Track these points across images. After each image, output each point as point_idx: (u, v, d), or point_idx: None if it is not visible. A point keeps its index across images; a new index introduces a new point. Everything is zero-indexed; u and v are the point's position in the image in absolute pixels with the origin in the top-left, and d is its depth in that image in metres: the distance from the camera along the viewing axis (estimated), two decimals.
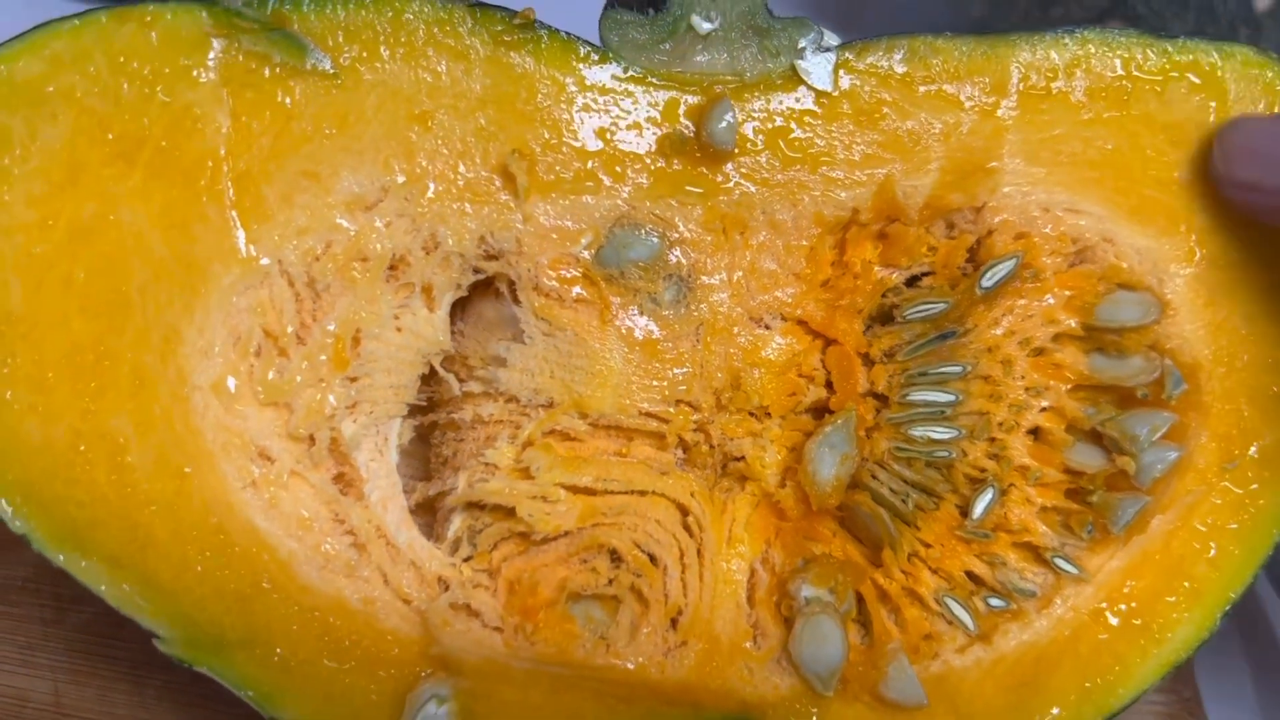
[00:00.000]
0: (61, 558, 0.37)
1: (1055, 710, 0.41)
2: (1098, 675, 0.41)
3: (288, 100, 0.37)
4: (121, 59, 0.36)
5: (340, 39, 0.38)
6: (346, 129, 0.38)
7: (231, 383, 0.37)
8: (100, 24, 0.37)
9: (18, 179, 0.35)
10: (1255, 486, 0.43)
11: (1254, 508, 0.43)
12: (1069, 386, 0.43)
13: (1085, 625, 0.41)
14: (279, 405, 0.38)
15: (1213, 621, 0.43)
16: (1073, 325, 0.42)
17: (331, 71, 0.37)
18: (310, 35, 0.38)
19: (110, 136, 0.36)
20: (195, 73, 0.37)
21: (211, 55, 0.37)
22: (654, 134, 0.39)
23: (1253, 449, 0.42)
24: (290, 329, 0.38)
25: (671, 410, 0.40)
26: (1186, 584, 0.42)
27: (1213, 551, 0.42)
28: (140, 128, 0.36)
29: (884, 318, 0.42)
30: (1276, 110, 0.42)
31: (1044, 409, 0.43)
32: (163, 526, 0.37)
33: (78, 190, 0.36)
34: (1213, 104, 0.43)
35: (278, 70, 0.37)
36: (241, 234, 0.37)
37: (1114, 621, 0.42)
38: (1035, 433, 0.43)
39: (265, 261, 0.37)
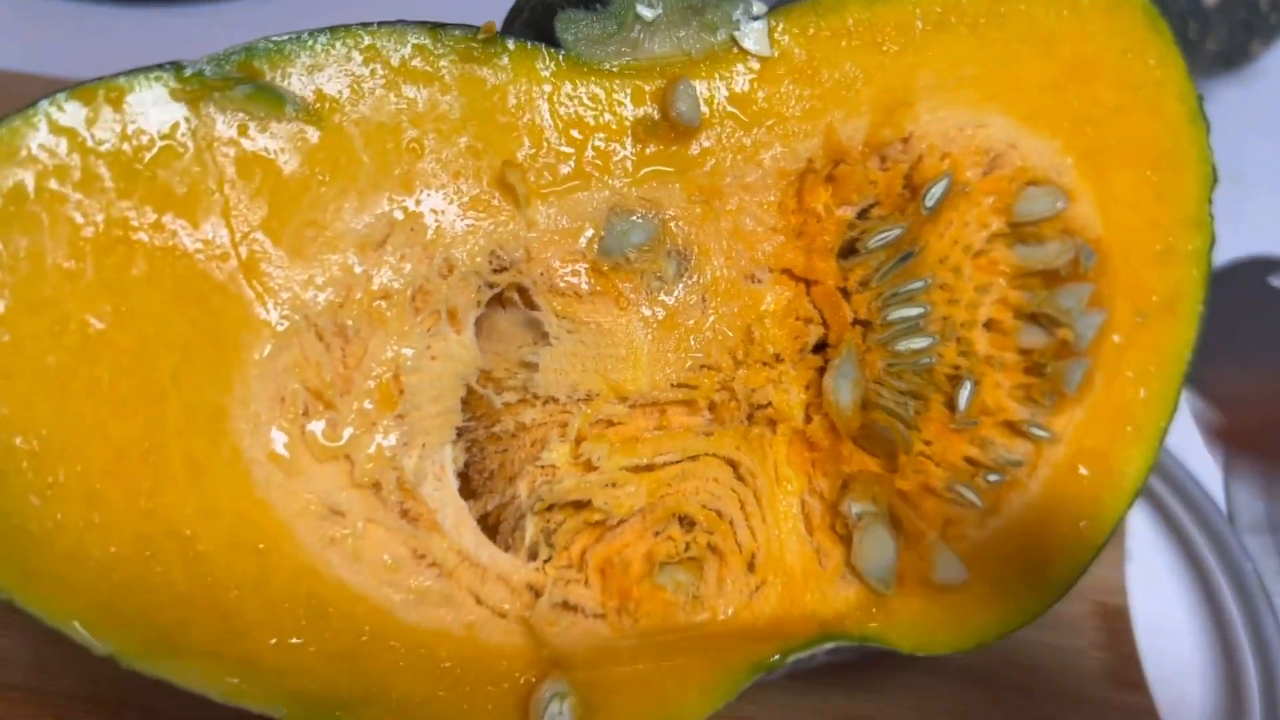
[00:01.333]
0: (154, 665, 0.37)
1: (1058, 559, 0.49)
2: (1083, 517, 0.50)
3: (274, 154, 0.38)
4: (95, 142, 0.36)
5: (313, 83, 0.39)
6: (340, 172, 0.39)
7: (287, 448, 0.38)
8: (61, 111, 0.36)
9: (14, 290, 0.35)
10: (1160, 330, 0.52)
11: (1164, 348, 0.52)
12: (1006, 279, 0.50)
13: (1066, 478, 0.50)
14: (338, 458, 0.39)
15: (1155, 449, 0.52)
16: (999, 225, 0.50)
17: (311, 118, 0.39)
18: (282, 84, 0.39)
19: (102, 225, 0.36)
20: (175, 143, 0.37)
21: (188, 122, 0.37)
22: (626, 122, 0.43)
23: (1153, 299, 0.52)
24: (331, 380, 0.39)
25: (698, 375, 0.45)
26: (1129, 426, 0.51)
27: (1143, 394, 0.52)
28: (130, 212, 0.37)
29: (847, 252, 0.48)
30: (1124, 22, 0.50)
31: (992, 302, 0.50)
32: (253, 608, 0.38)
33: (81, 288, 0.36)
34: (1065, 13, 0.51)
35: (257, 125, 0.38)
36: (261, 298, 0.38)
37: (1087, 466, 0.50)
38: (989, 325, 0.51)
39: (291, 320, 0.39)
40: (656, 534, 0.43)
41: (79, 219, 0.35)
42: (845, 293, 0.47)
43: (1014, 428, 0.50)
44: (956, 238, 0.49)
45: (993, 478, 0.48)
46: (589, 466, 0.42)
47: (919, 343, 0.47)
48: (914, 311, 0.47)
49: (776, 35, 0.45)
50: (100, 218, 0.36)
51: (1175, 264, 0.52)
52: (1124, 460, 0.51)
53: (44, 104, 0.35)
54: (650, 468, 0.43)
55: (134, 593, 0.35)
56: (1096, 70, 0.51)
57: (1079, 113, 0.50)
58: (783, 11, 0.46)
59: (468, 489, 0.45)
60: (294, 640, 0.37)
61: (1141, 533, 0.64)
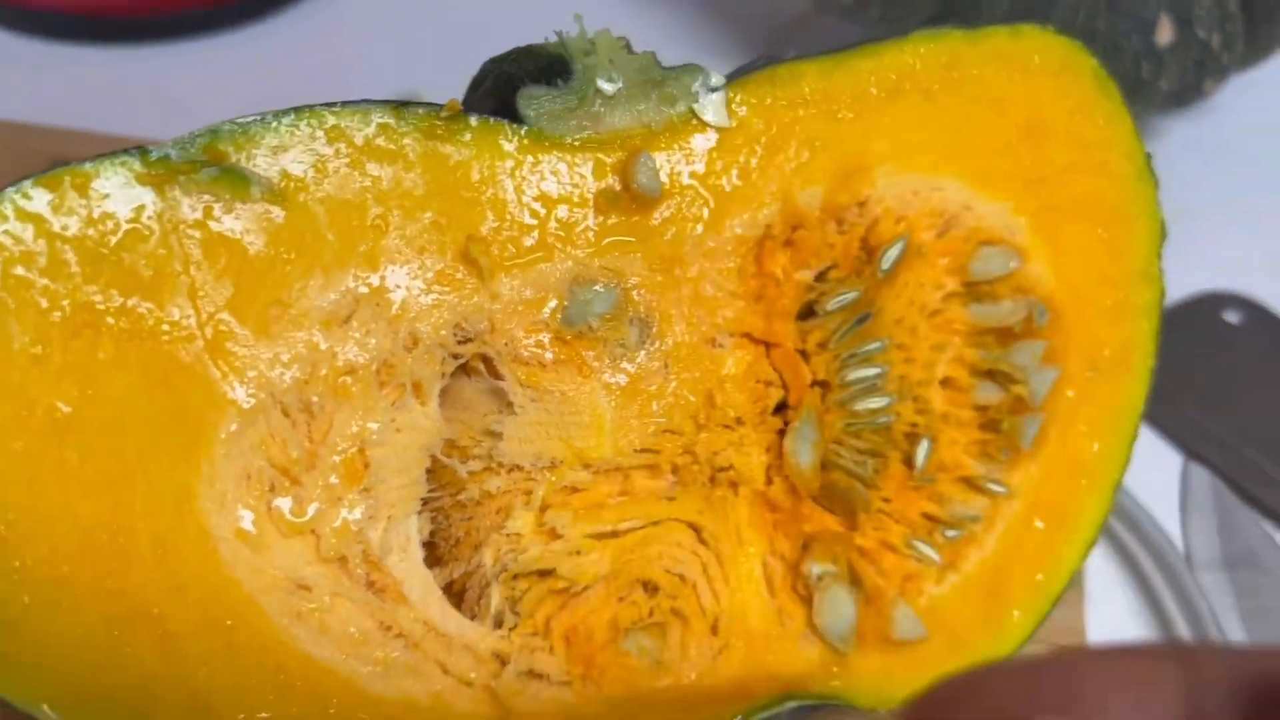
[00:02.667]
0: None
1: (1016, 611, 0.52)
2: (1039, 570, 0.52)
3: (239, 235, 0.40)
4: (59, 229, 0.38)
5: (278, 162, 0.41)
6: (304, 250, 0.41)
7: (253, 525, 0.40)
8: (28, 198, 0.38)
9: None
10: (1112, 384, 0.55)
11: (1116, 402, 0.55)
12: (961, 337, 0.53)
13: (1022, 534, 0.52)
14: (304, 534, 0.41)
15: (1108, 502, 0.55)
16: (954, 285, 0.53)
17: (275, 198, 0.41)
18: (247, 164, 0.41)
19: (69, 310, 0.38)
20: (141, 226, 0.39)
21: (154, 205, 0.39)
22: (588, 195, 0.45)
23: (1104, 354, 0.55)
24: (297, 456, 0.41)
25: (660, 440, 0.47)
26: (1084, 479, 0.54)
27: (1096, 447, 0.55)
28: (96, 296, 0.38)
29: (805, 314, 0.51)
30: (1073, 81, 0.53)
31: (948, 360, 0.53)
32: (222, 684, 0.39)
33: (48, 373, 0.38)
34: (1015, 76, 0.54)
35: (222, 207, 0.40)
36: (227, 377, 0.40)
37: (1040, 524, 0.53)
38: (945, 383, 0.53)
39: (256, 398, 0.40)
40: (621, 600, 0.45)
41: (45, 304, 0.37)
42: (804, 354, 0.50)
43: (971, 483, 0.52)
44: (913, 298, 0.51)
45: (951, 533, 0.51)
46: (553, 534, 0.44)
47: (877, 402, 0.50)
48: (872, 372, 0.50)
49: (734, 106, 0.48)
50: (67, 302, 0.38)
51: (1126, 318, 0.56)
52: (1079, 513, 0.53)
53: (10, 192, 0.37)
54: (614, 534, 0.45)
55: (103, 673, 0.37)
56: (1046, 131, 0.54)
57: (1030, 173, 0.53)
58: (740, 82, 0.49)
59: (434, 556, 0.47)
60: (263, 715, 0.39)
61: (1100, 573, 0.67)
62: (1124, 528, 0.71)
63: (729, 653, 0.46)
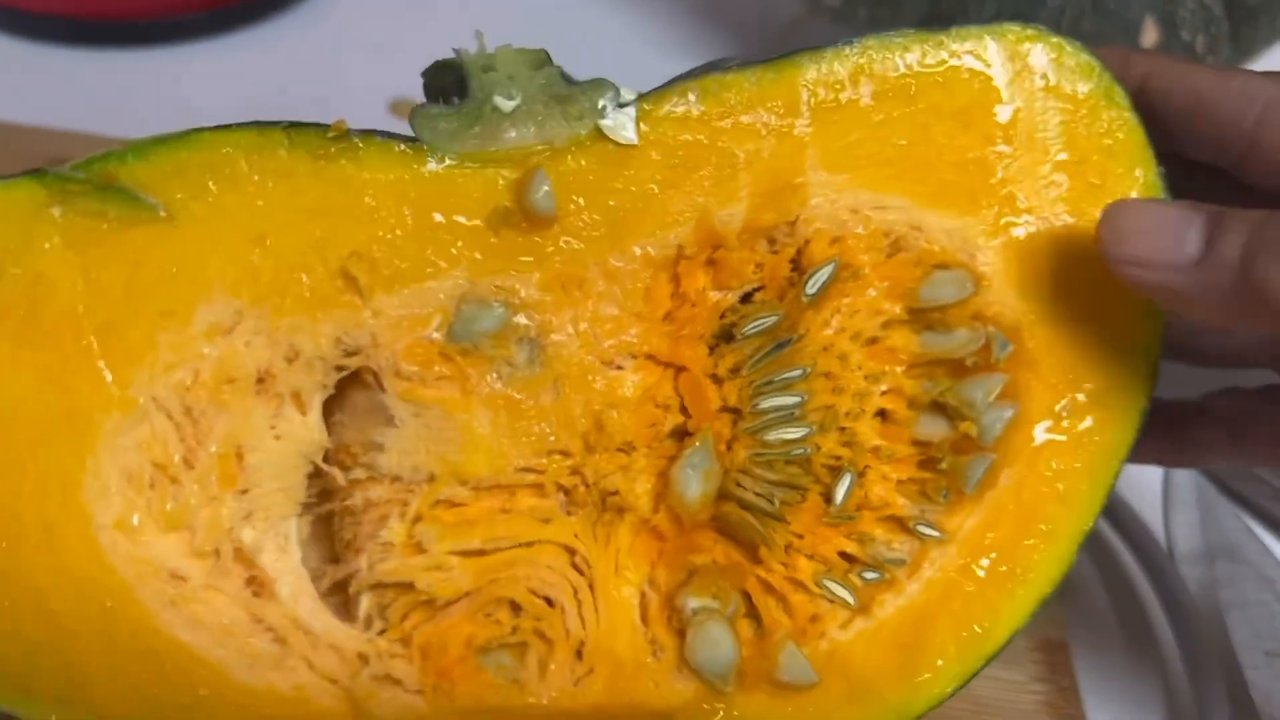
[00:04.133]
0: (9, 705, 0.47)
1: (939, 662, 0.54)
2: (973, 623, 0.54)
3: (131, 249, 0.48)
4: None
5: (169, 182, 0.48)
6: (191, 264, 0.48)
7: (134, 517, 0.48)
8: None
9: None
10: (1090, 424, 0.55)
11: (1092, 446, 0.55)
12: (904, 367, 0.55)
13: (954, 581, 0.54)
14: (180, 529, 0.49)
15: (1070, 555, 0.56)
16: (898, 311, 0.54)
17: (166, 215, 0.47)
18: (139, 185, 0.48)
19: None
20: (40, 241, 0.47)
21: (51, 221, 0.47)
22: (481, 213, 0.50)
23: (1081, 394, 0.54)
24: (177, 457, 0.49)
25: (545, 461, 0.52)
26: (1042, 526, 0.54)
27: (1061, 489, 0.54)
28: None
29: (728, 337, 0.53)
30: (1067, 85, 0.53)
31: (885, 392, 0.56)
32: (98, 661, 0.47)
33: None
34: (989, 82, 0.54)
35: (116, 224, 0.47)
36: (114, 380, 0.47)
37: (980, 573, 0.54)
38: (883, 414, 0.55)
39: (141, 401, 0.48)
40: (487, 616, 0.50)
41: None
42: (718, 380, 0.52)
43: (901, 524, 0.54)
44: (844, 325, 0.54)
45: (869, 575, 0.54)
46: (420, 548, 0.49)
47: (792, 433, 0.53)
48: (788, 400, 0.53)
49: (646, 122, 0.51)
50: None
51: (1114, 355, 0.56)
52: (1030, 565, 0.55)
53: None
54: (481, 552, 0.51)
55: None
56: (1028, 143, 0.55)
57: (1003, 190, 0.54)
58: (656, 95, 0.52)
59: (332, 555, 0.53)
60: (134, 692, 0.47)
61: (1080, 565, 0.70)
62: (1104, 520, 0.77)
63: (591, 679, 0.51)
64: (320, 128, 0.51)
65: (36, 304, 0.48)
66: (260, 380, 0.51)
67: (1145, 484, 0.82)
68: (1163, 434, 0.64)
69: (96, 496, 0.49)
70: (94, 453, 0.49)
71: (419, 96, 0.56)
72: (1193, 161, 0.59)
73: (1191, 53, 0.85)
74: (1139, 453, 0.60)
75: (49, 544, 0.48)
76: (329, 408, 0.54)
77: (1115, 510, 0.78)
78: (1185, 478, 0.82)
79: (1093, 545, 0.77)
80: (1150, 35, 0.83)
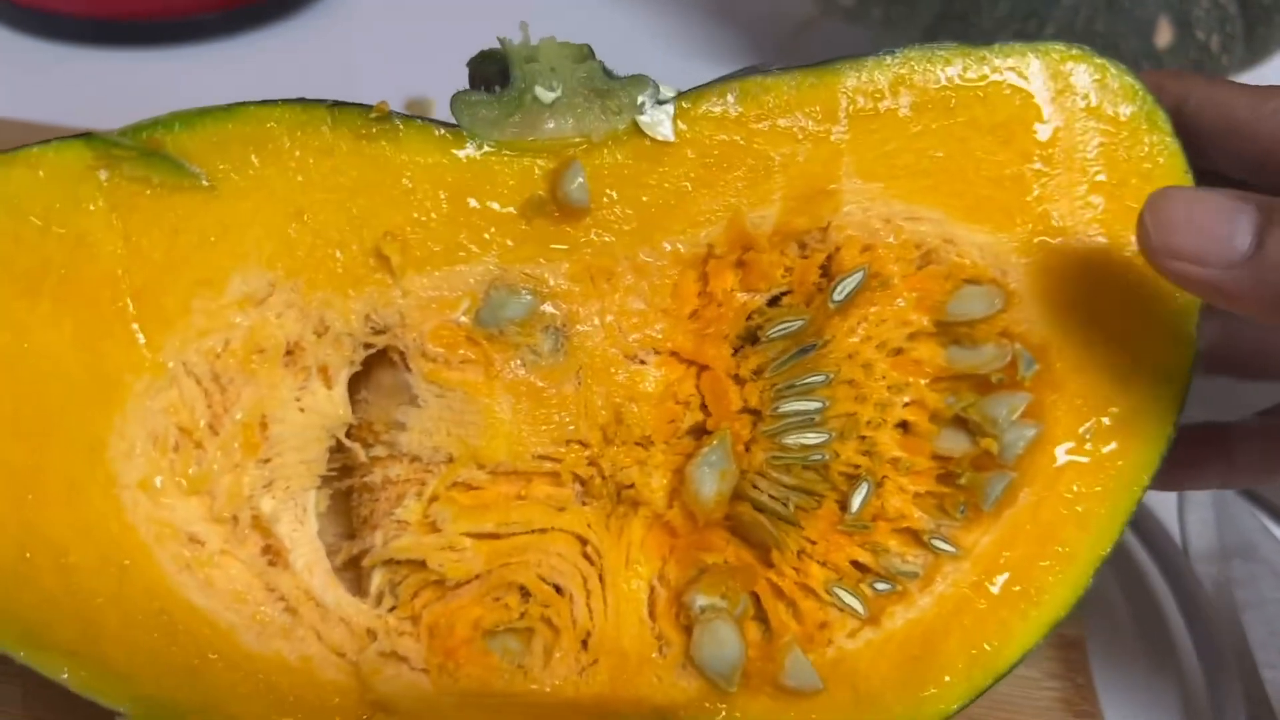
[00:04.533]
0: (22, 655, 0.48)
1: (947, 678, 0.54)
2: (983, 641, 0.54)
3: (172, 216, 0.49)
4: (14, 201, 0.48)
5: (213, 153, 0.49)
6: (229, 235, 0.49)
7: (157, 479, 0.49)
8: None
9: None
10: (1114, 448, 0.55)
11: (1114, 470, 0.55)
12: (928, 380, 0.55)
13: (967, 598, 0.54)
14: (201, 493, 0.50)
15: (1086, 579, 0.56)
16: (925, 323, 0.54)
17: (208, 185, 0.48)
18: (184, 154, 0.50)
19: (14, 273, 0.48)
20: (85, 203, 0.49)
21: (97, 184, 0.48)
22: (515, 200, 0.51)
23: (1106, 417, 0.54)
24: (203, 423, 0.50)
25: (563, 450, 0.53)
26: (1059, 548, 0.54)
27: (1080, 510, 0.54)
28: (42, 261, 0.48)
29: (753, 338, 0.54)
30: (1109, 107, 0.54)
31: (907, 404, 0.56)
32: (111, 617, 0.49)
33: None
34: (1031, 99, 0.54)
35: (160, 190, 0.48)
36: (146, 344, 0.49)
37: (993, 590, 0.55)
38: (904, 426, 0.55)
39: (171, 365, 0.49)
40: (496, 600, 0.51)
41: (0, 266, 0.47)
42: (739, 380, 0.53)
43: (915, 537, 0.55)
44: (870, 334, 0.54)
45: (881, 586, 0.54)
46: (433, 528, 0.50)
47: (811, 438, 0.54)
48: (809, 406, 0.53)
49: (684, 120, 0.51)
50: (15, 263, 0.47)
51: (1142, 379, 0.56)
52: (1044, 587, 0.55)
53: None
54: (494, 536, 0.52)
55: (10, 590, 0.48)
56: (1067, 163, 0.55)
57: (1039, 208, 0.54)
58: (695, 94, 0.53)
59: (349, 530, 0.54)
60: (144, 650, 0.48)
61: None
62: None
63: (595, 669, 0.52)
64: (363, 108, 0.52)
65: (77, 264, 0.50)
66: (289, 352, 0.52)
67: None
68: (1214, 456, 0.64)
69: (122, 456, 0.50)
70: (122, 413, 0.50)
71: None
72: (1231, 179, 0.59)
73: (1206, 52, 0.86)
74: (1192, 479, 0.59)
75: (72, 500, 0.50)
76: (355, 384, 0.55)
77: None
78: None
79: None
80: (1164, 35, 0.84)
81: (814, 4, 1.09)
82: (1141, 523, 0.79)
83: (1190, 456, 0.64)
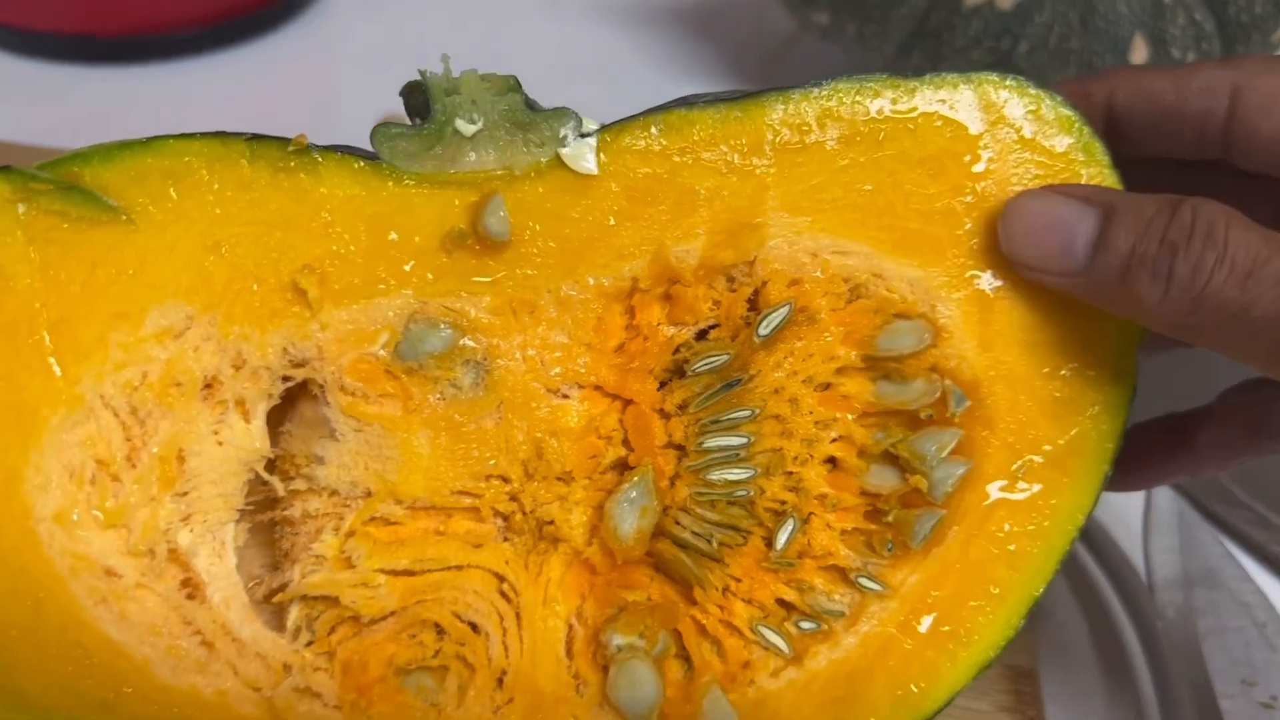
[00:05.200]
0: None
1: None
2: (910, 682, 0.54)
3: (90, 249, 0.50)
4: None
5: (131, 186, 0.50)
6: (147, 268, 0.50)
7: (74, 513, 0.50)
8: None
9: None
10: (1045, 487, 0.54)
11: (1047, 508, 0.55)
12: (856, 415, 0.55)
13: (893, 637, 0.54)
14: (118, 526, 0.51)
15: (1018, 619, 0.56)
16: (854, 358, 0.54)
17: (126, 218, 0.49)
18: (102, 188, 0.51)
19: None
20: (2, 236, 0.49)
21: (15, 218, 0.49)
22: (435, 233, 0.52)
23: (1038, 455, 0.54)
24: (120, 456, 0.51)
25: (483, 485, 0.54)
26: (989, 587, 0.54)
27: (1012, 549, 0.54)
28: None
29: (680, 372, 0.54)
30: (1044, 139, 0.54)
31: (835, 439, 0.57)
32: (25, 650, 0.50)
33: None
34: (961, 130, 0.54)
35: (77, 224, 0.49)
36: (63, 376, 0.49)
37: (921, 630, 0.55)
38: (832, 462, 0.55)
39: (88, 398, 0.50)
40: (411, 636, 0.51)
41: None
42: (664, 414, 0.53)
43: (842, 574, 0.54)
44: (797, 368, 0.55)
45: (806, 625, 0.54)
46: (349, 564, 0.50)
47: (736, 474, 0.54)
48: (734, 441, 0.54)
49: (607, 153, 0.52)
50: None
51: (1077, 415, 0.56)
52: (975, 625, 0.56)
53: None
54: (409, 572, 0.53)
55: None
56: (995, 194, 0.54)
57: (968, 240, 0.54)
58: (618, 127, 0.53)
59: (275, 562, 0.54)
60: (59, 683, 0.49)
61: (1055, 591, 0.75)
62: (1080, 544, 0.79)
63: (510, 708, 0.53)
64: (282, 141, 0.53)
65: None
66: (207, 385, 0.53)
67: (1126, 508, 0.85)
68: (1177, 447, 0.66)
69: (38, 489, 0.51)
70: (39, 446, 0.51)
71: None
72: (1184, 161, 0.62)
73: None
74: (1158, 476, 0.63)
75: None
76: (279, 416, 0.56)
77: (1091, 535, 0.82)
78: (1166, 502, 0.85)
79: (1067, 569, 0.80)
80: (1140, 53, 0.86)
81: (792, 23, 1.12)
82: (1101, 549, 0.80)
83: (1154, 452, 0.66)
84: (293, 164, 0.54)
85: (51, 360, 0.53)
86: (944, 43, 0.96)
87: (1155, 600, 0.76)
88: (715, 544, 0.58)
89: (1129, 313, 0.53)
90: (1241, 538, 0.84)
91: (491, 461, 0.56)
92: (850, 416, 0.58)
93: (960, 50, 1.00)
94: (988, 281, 0.58)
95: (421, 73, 0.56)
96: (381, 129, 0.56)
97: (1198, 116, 0.59)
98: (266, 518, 0.58)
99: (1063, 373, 0.58)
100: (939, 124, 0.58)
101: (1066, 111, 0.58)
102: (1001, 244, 0.55)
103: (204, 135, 0.55)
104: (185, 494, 0.55)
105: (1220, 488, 0.86)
